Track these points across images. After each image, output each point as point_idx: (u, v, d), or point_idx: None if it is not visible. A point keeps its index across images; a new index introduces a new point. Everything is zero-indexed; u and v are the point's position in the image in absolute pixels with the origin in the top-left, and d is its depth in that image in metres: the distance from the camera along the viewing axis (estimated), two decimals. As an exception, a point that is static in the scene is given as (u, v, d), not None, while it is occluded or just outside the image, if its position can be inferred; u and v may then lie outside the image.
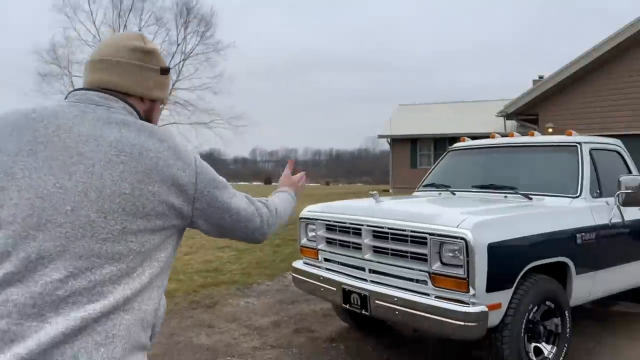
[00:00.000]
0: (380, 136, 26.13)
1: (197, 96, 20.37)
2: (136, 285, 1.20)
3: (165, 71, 1.45)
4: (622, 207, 4.17)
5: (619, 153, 4.70)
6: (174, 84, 20.38)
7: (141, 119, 1.37)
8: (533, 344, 3.57)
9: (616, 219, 4.14)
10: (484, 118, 22.29)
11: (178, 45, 20.65)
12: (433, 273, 3.38)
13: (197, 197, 1.34)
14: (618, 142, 4.78)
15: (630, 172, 4.62)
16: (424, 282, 3.44)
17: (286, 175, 1.90)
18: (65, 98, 1.38)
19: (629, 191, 4.04)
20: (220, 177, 1.44)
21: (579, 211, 3.97)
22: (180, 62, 20.71)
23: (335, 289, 3.95)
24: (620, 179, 4.11)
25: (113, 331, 1.15)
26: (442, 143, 23.48)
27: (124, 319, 1.17)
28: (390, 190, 24.38)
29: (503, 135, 5.36)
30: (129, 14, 19.82)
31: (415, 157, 25.24)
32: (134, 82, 1.37)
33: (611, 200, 4.17)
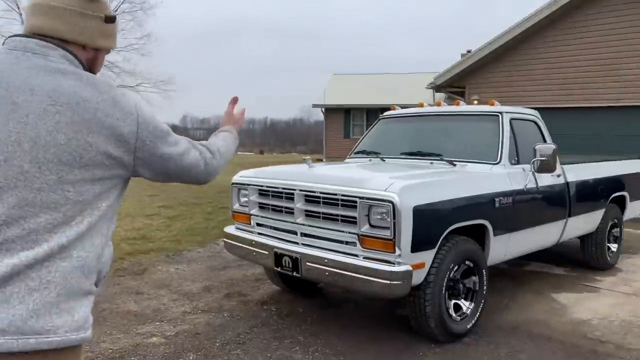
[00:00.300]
0: (315, 105, 26.14)
1: (123, 58, 19.32)
2: (73, 233, 1.22)
3: (110, 20, 1.41)
4: (536, 174, 4.47)
5: (536, 123, 5.00)
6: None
7: (84, 68, 1.35)
8: (453, 301, 3.80)
9: (531, 185, 4.44)
10: (416, 90, 22.84)
11: (102, 2, 19.29)
12: (362, 235, 3.49)
13: (138, 146, 1.33)
14: (535, 112, 5.08)
15: (545, 141, 4.94)
16: (353, 243, 3.56)
17: (228, 113, 1.86)
18: (3, 44, 1.32)
19: (543, 159, 4.33)
20: (164, 124, 1.42)
21: (497, 177, 4.21)
22: (104, 20, 19.38)
23: (267, 252, 3.99)
24: (536, 147, 4.39)
25: (47, 277, 1.18)
26: (374, 113, 23.86)
27: (60, 266, 1.20)
28: (324, 160, 24.61)
29: (432, 105, 5.54)
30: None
31: (348, 127, 25.52)
32: (75, 30, 1.33)
33: (527, 167, 4.46)
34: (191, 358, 3.40)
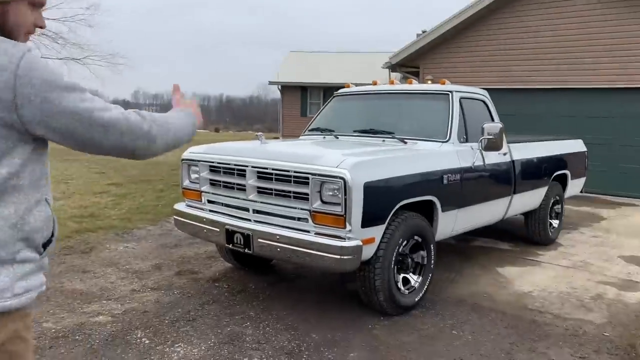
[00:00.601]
0: (271, 82, 25.85)
1: (69, 28, 18.33)
2: None
3: None
4: (484, 152, 4.60)
5: (484, 102, 5.13)
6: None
7: None
8: (402, 275, 3.90)
9: (478, 162, 4.57)
10: (373, 69, 22.93)
11: (44, -32, 18.18)
12: (313, 211, 3.51)
13: (20, 103, 1.19)
14: (484, 92, 5.21)
15: (493, 120, 5.08)
16: (305, 220, 3.57)
17: (176, 100, 1.66)
18: None
19: (491, 137, 4.46)
20: (69, 80, 1.28)
21: (446, 154, 4.31)
22: (47, -12, 18.30)
23: (218, 230, 3.95)
24: (484, 125, 4.51)
25: None
26: (331, 92, 23.74)
27: None
28: (280, 138, 24.48)
29: (385, 84, 5.58)
30: None
31: (305, 105, 25.41)
32: None
33: (475, 145, 4.58)
34: (139, 335, 3.35)
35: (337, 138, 4.95)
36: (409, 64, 12.83)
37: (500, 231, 6.64)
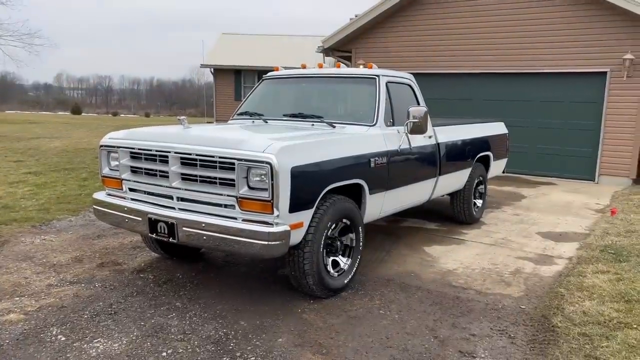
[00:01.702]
0: (203, 65, 25.13)
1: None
2: None
3: None
4: (409, 135, 4.69)
5: (410, 87, 5.22)
6: None
7: None
8: (331, 258, 3.93)
9: (404, 146, 4.66)
10: (308, 52, 22.85)
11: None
12: (240, 197, 3.43)
13: None
14: (410, 76, 5.30)
15: (419, 104, 5.18)
16: (232, 206, 3.49)
17: None
18: None
19: (416, 120, 4.54)
20: None
21: (373, 138, 4.35)
22: None
23: (141, 219, 3.79)
24: (410, 109, 4.59)
25: None
26: (265, 76, 23.54)
27: None
28: (214, 123, 23.93)
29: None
30: None
31: (239, 89, 24.95)
32: None
33: (401, 128, 4.66)
34: (54, 332, 3.16)
35: (267, 122, 4.87)
36: (341, 48, 12.86)
37: (428, 211, 6.85)
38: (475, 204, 6.47)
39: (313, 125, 4.57)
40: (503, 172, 7.51)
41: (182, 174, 3.71)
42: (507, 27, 10.51)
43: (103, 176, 4.18)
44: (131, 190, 4.01)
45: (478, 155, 6.33)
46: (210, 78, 26.37)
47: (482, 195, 6.69)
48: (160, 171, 3.79)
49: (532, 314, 3.68)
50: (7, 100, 60.85)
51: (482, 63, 10.89)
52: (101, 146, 4.15)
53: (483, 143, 6.48)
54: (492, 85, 10.97)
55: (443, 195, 5.96)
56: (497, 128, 7.07)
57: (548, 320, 3.55)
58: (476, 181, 6.40)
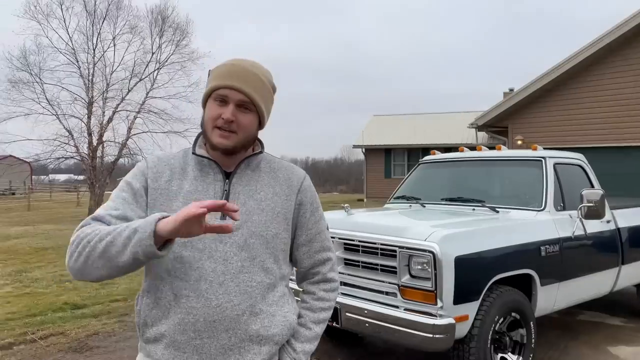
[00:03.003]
0: (355, 146, 26.37)
1: (172, 105, 20.09)
2: None
3: None
4: (584, 220, 4.30)
5: (581, 167, 4.85)
6: (147, 93, 20.08)
7: None
8: (499, 355, 3.64)
9: (579, 232, 4.27)
10: (456, 129, 22.69)
11: (153, 54, 20.38)
12: (402, 285, 3.43)
13: None
14: (581, 156, 4.94)
15: (592, 186, 4.77)
16: (394, 294, 3.49)
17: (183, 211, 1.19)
18: None
19: (591, 204, 4.17)
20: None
21: (543, 224, 4.08)
22: (154, 70, 20.40)
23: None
24: (583, 192, 4.24)
25: None
26: (415, 153, 23.78)
27: None
28: (365, 200, 24.54)
29: (471, 149, 5.48)
30: (102, 22, 19.49)
31: (389, 167, 25.50)
32: None
33: (574, 213, 4.30)
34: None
35: (424, 207, 4.88)
36: (496, 125, 12.55)
37: (609, 303, 6.04)
38: (669, 297, 5.55)
39: (474, 210, 4.45)
40: None
41: (345, 259, 3.84)
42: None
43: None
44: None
45: (670, 241, 5.49)
46: (361, 155, 27.47)
47: (678, 287, 5.73)
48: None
49: None
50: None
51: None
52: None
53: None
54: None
55: (628, 286, 5.24)
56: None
57: None
58: (669, 270, 5.52)
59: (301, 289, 1.61)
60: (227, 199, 1.43)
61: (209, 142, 1.44)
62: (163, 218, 1.22)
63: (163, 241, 1.23)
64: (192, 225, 1.18)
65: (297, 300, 1.59)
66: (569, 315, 5.64)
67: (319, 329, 1.55)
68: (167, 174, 1.46)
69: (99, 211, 1.38)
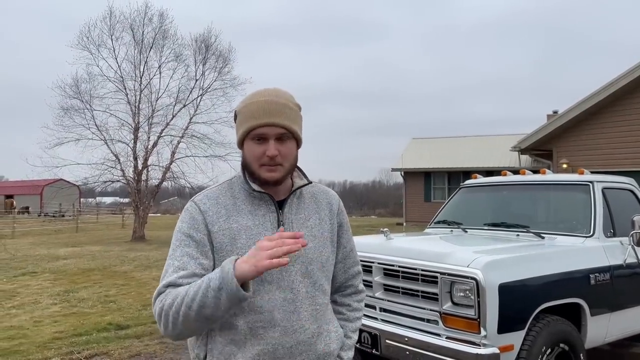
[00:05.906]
0: (394, 169, 26.23)
1: (214, 130, 20.65)
2: None
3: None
4: (636, 247, 4.11)
5: (632, 192, 4.66)
6: (191, 118, 20.69)
7: None
8: (548, 388, 3.48)
9: (631, 259, 4.08)
10: (497, 152, 22.28)
11: (196, 80, 21.07)
12: (444, 313, 3.35)
13: None
14: (632, 180, 4.75)
15: (644, 211, 4.57)
16: (435, 322, 3.41)
17: (259, 242, 1.32)
18: None
19: (644, 231, 3.99)
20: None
21: (592, 251, 3.92)
22: (198, 97, 21.05)
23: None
24: (634, 218, 4.06)
25: None
26: (456, 177, 23.44)
27: None
28: (404, 224, 24.23)
29: (514, 172, 5.36)
30: (149, 51, 20.34)
31: (429, 190, 25.19)
32: None
33: (625, 240, 4.12)
34: None
35: (466, 232, 4.78)
36: (539, 147, 12.26)
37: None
38: None
39: (518, 235, 4.33)
40: None
41: (385, 284, 3.80)
42: None
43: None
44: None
45: None
46: (399, 179, 27.28)
47: None
48: (364, 281, 3.93)
49: None
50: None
51: None
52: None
53: None
54: None
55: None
56: None
57: None
58: None
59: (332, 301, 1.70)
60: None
61: (259, 179, 1.48)
62: (235, 262, 1.30)
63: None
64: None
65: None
66: (621, 347, 5.34)
67: (356, 337, 1.70)
68: (223, 212, 1.49)
69: (170, 277, 1.39)
